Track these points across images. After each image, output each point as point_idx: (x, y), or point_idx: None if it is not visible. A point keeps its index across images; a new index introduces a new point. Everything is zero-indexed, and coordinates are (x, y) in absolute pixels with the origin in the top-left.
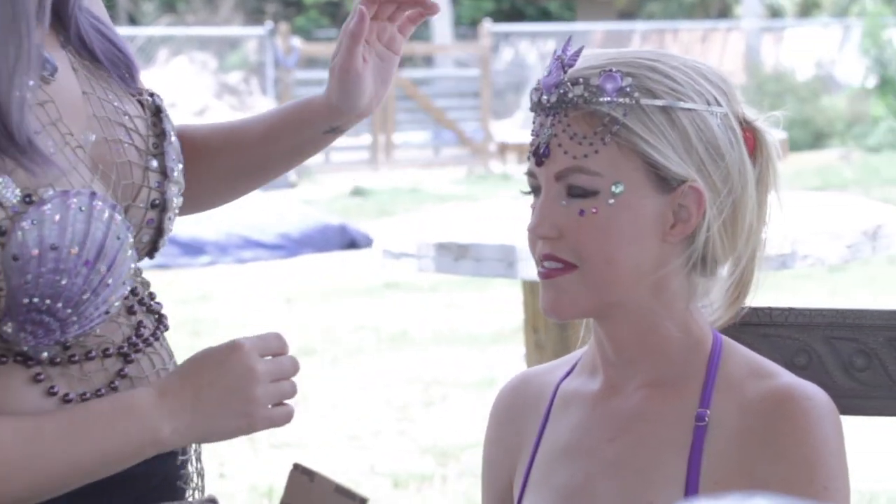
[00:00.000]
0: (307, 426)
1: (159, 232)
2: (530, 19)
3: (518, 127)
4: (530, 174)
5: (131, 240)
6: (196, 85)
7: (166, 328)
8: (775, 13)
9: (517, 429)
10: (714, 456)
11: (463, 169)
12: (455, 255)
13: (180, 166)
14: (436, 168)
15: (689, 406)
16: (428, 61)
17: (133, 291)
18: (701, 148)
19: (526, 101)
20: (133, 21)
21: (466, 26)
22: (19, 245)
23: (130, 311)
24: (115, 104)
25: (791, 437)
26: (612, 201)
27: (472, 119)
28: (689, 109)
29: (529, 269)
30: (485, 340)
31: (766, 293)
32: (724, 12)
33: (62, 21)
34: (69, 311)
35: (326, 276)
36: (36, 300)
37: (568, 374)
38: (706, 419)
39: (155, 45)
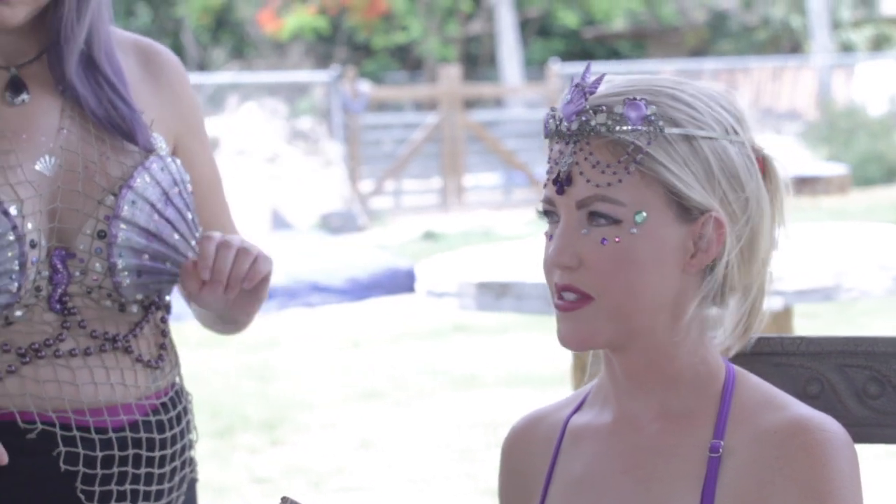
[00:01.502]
0: (372, 470)
1: (110, 265)
2: (600, 59)
3: None
4: (548, 202)
5: (12, 238)
6: (267, 131)
7: (108, 351)
8: (847, 48)
9: (527, 468)
10: (728, 487)
11: (534, 210)
12: (496, 294)
13: (154, 216)
14: (507, 210)
15: (702, 437)
16: (498, 103)
17: (70, 310)
18: (722, 177)
19: None
20: (202, 68)
21: (536, 67)
22: None
23: (63, 325)
24: (93, 145)
25: (805, 469)
26: (634, 230)
27: (543, 160)
28: (710, 138)
29: None
30: (552, 382)
31: (835, 326)
32: (796, 49)
33: (76, 85)
34: None
35: (394, 319)
36: None
37: (577, 409)
38: (720, 450)
39: (224, 91)
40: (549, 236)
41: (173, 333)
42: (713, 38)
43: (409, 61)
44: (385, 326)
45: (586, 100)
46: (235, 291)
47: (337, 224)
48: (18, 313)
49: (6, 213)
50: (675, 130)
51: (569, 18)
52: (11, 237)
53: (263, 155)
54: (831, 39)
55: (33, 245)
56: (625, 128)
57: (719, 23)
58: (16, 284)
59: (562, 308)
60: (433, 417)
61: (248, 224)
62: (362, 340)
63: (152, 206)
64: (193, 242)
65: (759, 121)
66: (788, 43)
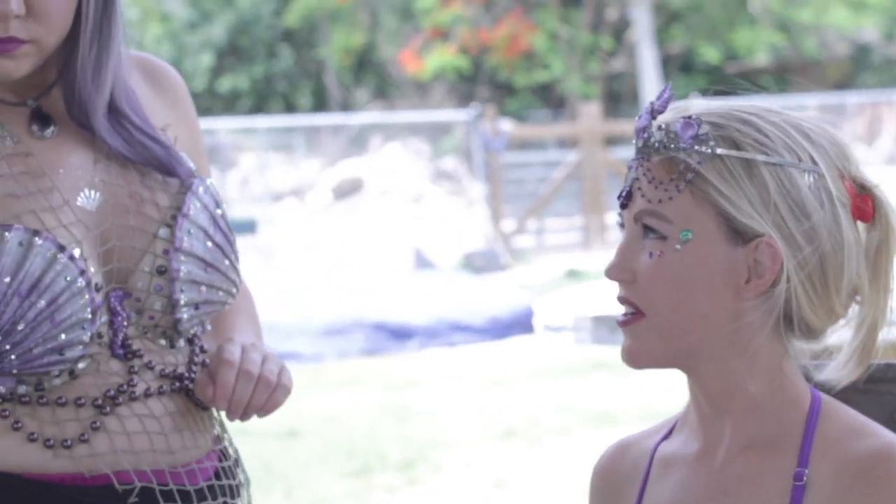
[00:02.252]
0: None
1: (171, 302)
2: (743, 94)
3: None
4: (620, 215)
5: (82, 283)
6: (410, 171)
7: (178, 391)
8: None
9: (617, 495)
10: None
11: None
12: (611, 328)
13: (208, 244)
14: None
15: (786, 466)
16: None
17: (136, 352)
18: (782, 203)
19: None
20: (344, 108)
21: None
22: None
23: (131, 370)
24: (133, 177)
25: (890, 499)
26: (678, 247)
27: None
28: (774, 164)
29: None
30: None
31: None
32: None
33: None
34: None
35: (534, 357)
36: None
37: (665, 437)
38: (804, 479)
39: (367, 132)
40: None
41: (312, 375)
42: (856, 71)
43: (551, 99)
44: (524, 364)
45: (653, 118)
46: (248, 418)
47: (480, 263)
48: (82, 365)
49: (72, 258)
50: (732, 152)
51: (710, 54)
52: (81, 283)
53: (407, 195)
54: None
55: (98, 289)
56: (679, 146)
57: (862, 56)
58: (88, 334)
59: (620, 323)
60: (568, 455)
61: (391, 264)
62: (501, 379)
63: (205, 232)
64: (238, 263)
65: None
66: None
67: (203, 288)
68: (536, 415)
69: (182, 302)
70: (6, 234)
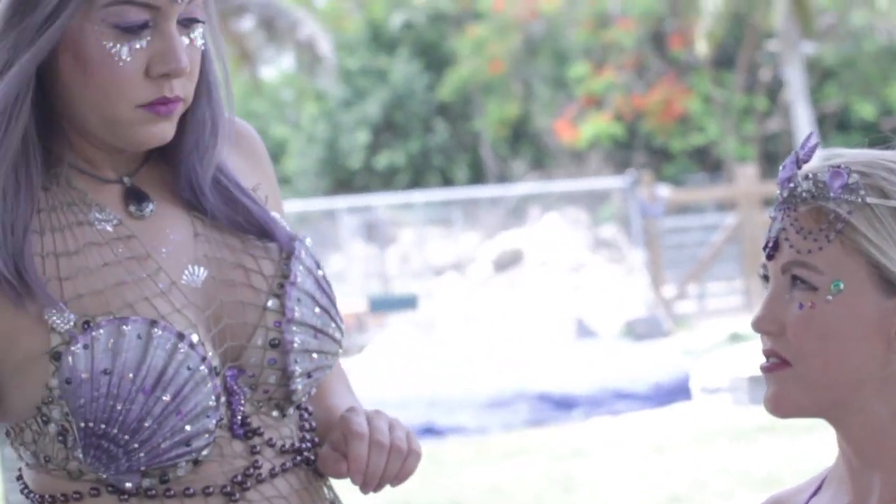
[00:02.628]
0: None
1: (286, 374)
2: None
3: None
4: (763, 267)
5: (205, 370)
6: (570, 240)
7: (298, 465)
8: None
9: None
10: None
11: None
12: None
13: (316, 310)
14: None
15: None
16: None
17: (256, 430)
18: None
19: None
20: (501, 180)
21: None
22: (70, 368)
23: (253, 450)
24: (235, 246)
25: None
26: (829, 297)
27: None
28: None
29: None
30: None
31: None
32: None
33: (194, 186)
34: (127, 437)
35: (698, 422)
36: (91, 424)
37: (815, 492)
38: None
39: (525, 203)
40: None
41: (476, 447)
42: None
43: (707, 163)
44: (688, 430)
45: (799, 167)
46: (381, 489)
47: (642, 330)
48: (206, 451)
49: (192, 345)
50: (882, 201)
51: (866, 110)
52: (204, 370)
53: (567, 264)
54: None
55: (217, 372)
56: (828, 195)
57: None
58: (213, 422)
59: (764, 370)
60: None
61: (553, 334)
62: (665, 446)
63: (312, 298)
64: (342, 325)
65: None
66: None
67: (314, 355)
68: (699, 480)
69: (297, 373)
70: (123, 327)
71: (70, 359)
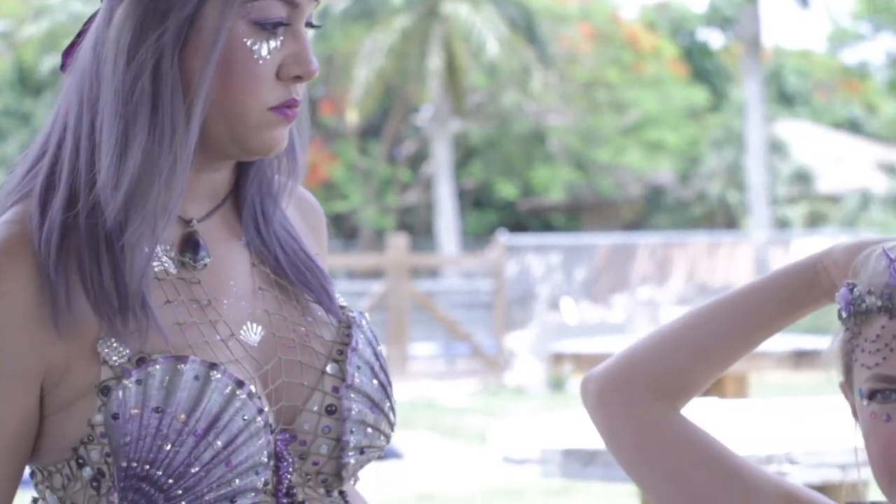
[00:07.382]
0: None
1: (340, 445)
2: (534, 230)
3: (534, 338)
4: (887, 380)
5: (261, 423)
6: None
7: None
8: (783, 224)
9: None
10: None
11: (476, 381)
12: (584, 462)
13: (374, 382)
14: (448, 380)
15: None
16: (433, 273)
17: (300, 503)
18: None
19: (537, 312)
20: None
21: (472, 238)
22: (119, 403)
23: None
24: (295, 306)
25: None
26: None
27: (483, 331)
28: None
29: None
30: None
31: None
32: (731, 224)
33: (261, 238)
34: (171, 481)
35: None
36: (134, 465)
37: None
38: None
39: None
40: (886, 416)
41: None
42: (649, 211)
43: (344, 229)
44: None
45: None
46: None
47: None
48: None
49: (250, 395)
50: None
51: (507, 190)
52: (259, 422)
53: None
54: (768, 216)
55: (272, 430)
56: None
57: (656, 197)
58: (261, 480)
59: None
60: None
61: None
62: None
63: (371, 368)
64: (395, 407)
65: (696, 295)
66: (724, 218)
67: (369, 430)
68: None
69: (350, 444)
70: (181, 366)
71: (120, 393)
